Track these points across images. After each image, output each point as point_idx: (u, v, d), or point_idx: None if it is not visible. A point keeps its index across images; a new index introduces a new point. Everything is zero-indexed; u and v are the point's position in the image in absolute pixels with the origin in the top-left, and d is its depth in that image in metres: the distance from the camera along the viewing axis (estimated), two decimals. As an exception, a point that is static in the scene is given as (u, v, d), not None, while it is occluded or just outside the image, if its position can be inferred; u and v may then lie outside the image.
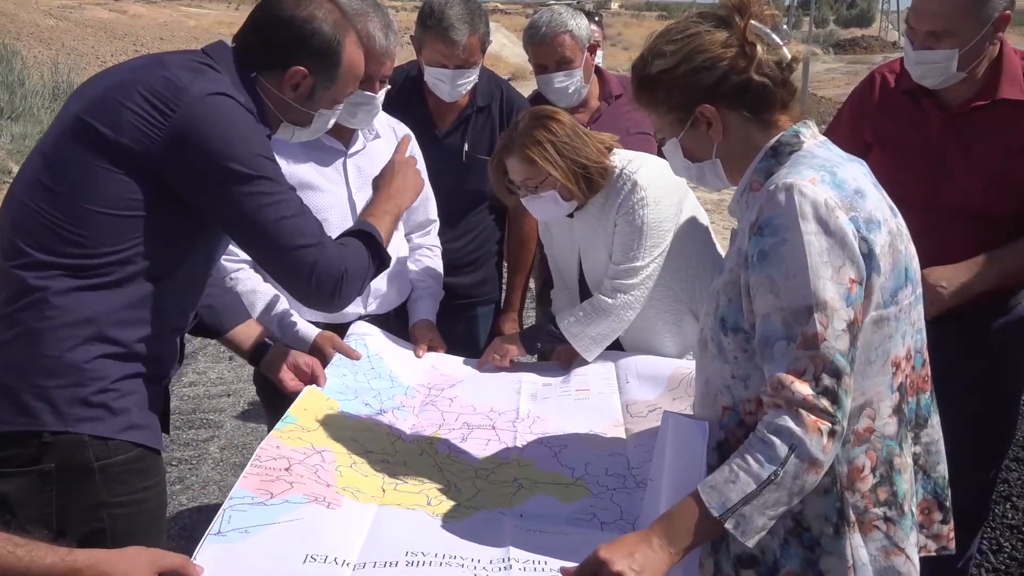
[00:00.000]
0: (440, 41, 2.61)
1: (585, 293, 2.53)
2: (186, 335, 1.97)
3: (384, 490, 1.76)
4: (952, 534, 1.66)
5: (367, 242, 1.97)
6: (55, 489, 1.66)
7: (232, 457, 4.22)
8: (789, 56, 1.54)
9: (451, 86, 2.68)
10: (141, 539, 1.73)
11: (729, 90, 1.53)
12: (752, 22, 1.52)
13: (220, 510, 1.53)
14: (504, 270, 3.12)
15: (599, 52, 3.29)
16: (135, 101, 1.66)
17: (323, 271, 1.82)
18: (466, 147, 2.80)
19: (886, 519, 1.51)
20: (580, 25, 2.95)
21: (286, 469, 1.68)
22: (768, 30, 1.53)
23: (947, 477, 1.65)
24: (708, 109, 1.55)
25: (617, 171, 2.37)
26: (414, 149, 2.60)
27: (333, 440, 1.87)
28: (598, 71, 3.15)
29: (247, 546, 1.47)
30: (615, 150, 2.41)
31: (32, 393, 1.64)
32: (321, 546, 1.50)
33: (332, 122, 2.05)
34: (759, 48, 1.51)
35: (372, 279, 2.00)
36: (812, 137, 1.56)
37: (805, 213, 1.40)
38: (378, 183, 2.17)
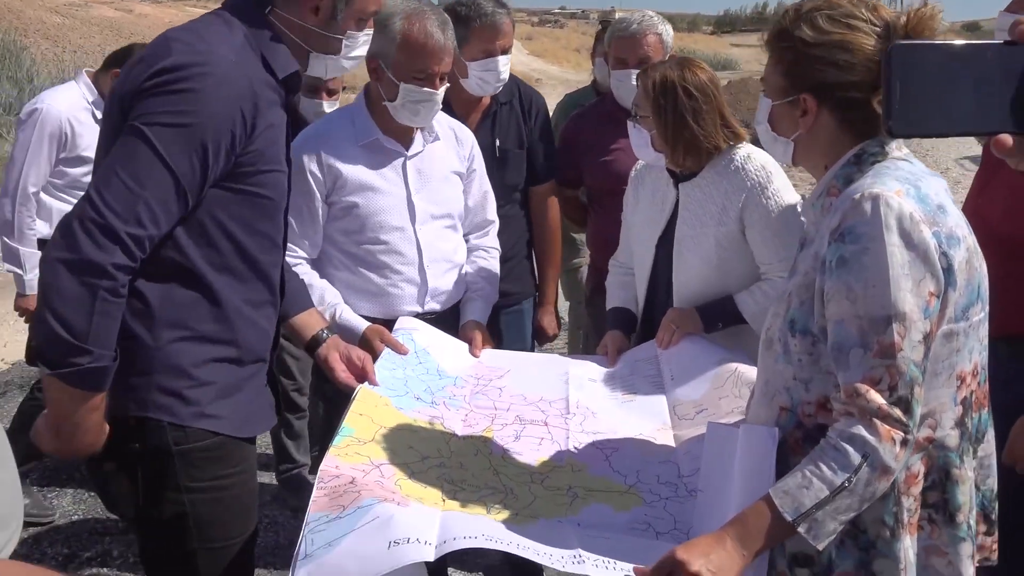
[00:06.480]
0: (492, 29, 2.69)
1: (658, 266, 2.46)
2: None
3: (444, 500, 1.80)
4: (996, 545, 1.68)
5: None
6: (141, 469, 1.74)
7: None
8: None
9: (498, 73, 2.73)
10: (225, 525, 1.80)
11: (841, 100, 1.53)
12: None
13: (300, 536, 1.57)
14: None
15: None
16: (136, 66, 1.70)
17: (79, 229, 1.57)
18: (497, 141, 2.86)
19: (931, 520, 1.54)
20: (668, 32, 3.03)
21: (351, 482, 1.71)
22: None
23: (995, 490, 1.67)
24: (811, 103, 1.55)
25: (741, 157, 2.33)
26: (475, 149, 2.63)
27: (389, 451, 1.89)
28: None
29: (335, 556, 1.52)
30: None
31: (116, 380, 1.67)
32: (401, 531, 1.54)
33: (364, 50, 2.00)
34: None
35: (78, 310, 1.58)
36: (897, 149, 1.57)
37: (890, 224, 1.42)
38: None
